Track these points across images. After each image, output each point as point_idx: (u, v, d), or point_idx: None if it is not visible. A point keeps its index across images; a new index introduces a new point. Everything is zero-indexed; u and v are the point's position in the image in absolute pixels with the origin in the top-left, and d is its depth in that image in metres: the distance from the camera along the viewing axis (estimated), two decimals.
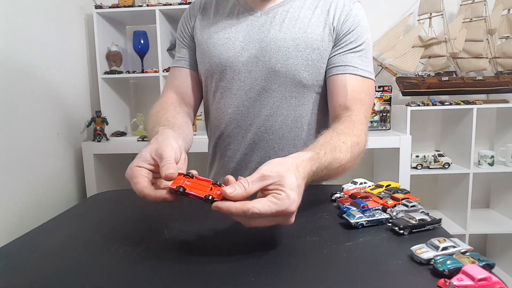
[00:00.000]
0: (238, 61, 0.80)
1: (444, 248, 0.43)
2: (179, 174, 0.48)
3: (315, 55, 0.78)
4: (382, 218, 0.55)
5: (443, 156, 1.75)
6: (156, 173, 0.52)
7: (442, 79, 1.77)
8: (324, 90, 0.82)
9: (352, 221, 0.54)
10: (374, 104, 1.83)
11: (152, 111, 0.82)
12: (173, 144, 0.55)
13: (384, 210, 0.58)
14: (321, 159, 0.57)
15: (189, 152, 0.72)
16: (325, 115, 0.84)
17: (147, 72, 1.75)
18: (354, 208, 0.57)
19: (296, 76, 0.78)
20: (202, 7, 0.88)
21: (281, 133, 0.82)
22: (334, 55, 0.79)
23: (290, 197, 0.45)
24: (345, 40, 0.78)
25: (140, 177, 0.50)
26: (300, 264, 0.44)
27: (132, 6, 1.72)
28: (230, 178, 0.49)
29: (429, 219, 0.52)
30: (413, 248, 0.44)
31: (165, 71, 1.72)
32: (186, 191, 0.46)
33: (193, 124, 1.67)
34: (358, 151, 0.69)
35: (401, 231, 0.51)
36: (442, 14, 1.80)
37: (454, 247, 0.43)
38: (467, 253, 0.42)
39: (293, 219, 0.48)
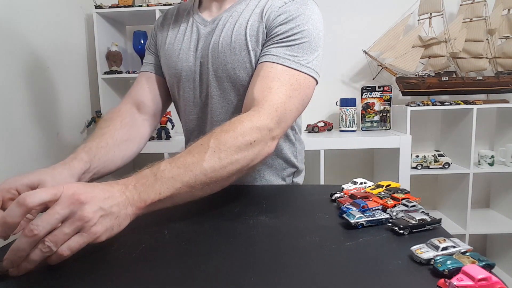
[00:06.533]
0: (191, 70, 0.82)
1: (444, 248, 0.43)
2: None
3: (251, 56, 0.76)
4: (382, 218, 0.55)
5: (443, 156, 1.75)
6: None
7: (442, 79, 1.77)
8: None
9: (352, 221, 0.54)
10: (374, 104, 1.83)
11: (105, 116, 0.84)
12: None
13: (384, 210, 0.58)
14: (138, 173, 0.53)
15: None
16: None
17: None
18: (354, 208, 0.57)
19: (236, 79, 0.77)
20: (163, 18, 0.91)
21: None
22: (261, 50, 0.75)
23: (64, 184, 0.44)
24: (273, 33, 0.73)
25: None
26: (300, 264, 0.44)
27: (132, 6, 1.72)
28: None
29: (429, 219, 0.52)
30: (413, 248, 0.44)
31: None
32: None
33: None
34: (233, 139, 0.58)
35: (401, 231, 0.51)
36: (442, 14, 1.80)
37: (454, 247, 0.43)
38: (467, 253, 0.42)
39: (89, 211, 0.43)
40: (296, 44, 0.72)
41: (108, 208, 0.46)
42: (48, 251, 0.41)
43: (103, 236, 0.45)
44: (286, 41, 0.72)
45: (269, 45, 0.73)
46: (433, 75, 1.79)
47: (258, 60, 0.75)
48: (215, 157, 0.56)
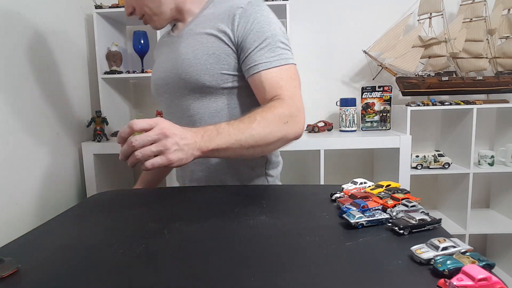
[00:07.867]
0: (162, 79, 0.94)
1: (444, 248, 0.43)
2: None
3: (212, 60, 0.85)
4: (382, 218, 0.55)
5: (443, 156, 1.75)
6: None
7: (442, 79, 1.77)
8: (239, 85, 0.89)
9: (352, 221, 0.54)
10: (374, 104, 1.83)
11: None
12: None
13: (384, 210, 0.58)
14: (205, 127, 0.72)
15: None
16: (249, 106, 0.89)
17: (147, 72, 1.74)
18: (354, 208, 0.58)
19: (198, 80, 0.86)
20: (158, 44, 1.07)
21: None
22: (245, 57, 0.84)
23: (158, 118, 0.65)
24: (248, 41, 0.83)
25: None
26: (300, 264, 0.44)
27: None
28: None
29: (429, 219, 0.52)
30: (413, 248, 0.44)
31: None
32: None
33: None
34: (273, 116, 0.75)
35: (401, 231, 0.51)
36: (442, 14, 1.80)
37: (454, 247, 0.43)
38: (467, 253, 0.42)
39: (169, 143, 0.64)
40: (272, 45, 0.83)
41: (182, 146, 0.66)
42: (138, 158, 0.62)
43: (175, 164, 0.65)
44: (264, 46, 0.82)
45: (250, 53, 0.83)
46: (433, 75, 1.79)
47: (245, 64, 0.84)
48: (260, 126, 0.73)
